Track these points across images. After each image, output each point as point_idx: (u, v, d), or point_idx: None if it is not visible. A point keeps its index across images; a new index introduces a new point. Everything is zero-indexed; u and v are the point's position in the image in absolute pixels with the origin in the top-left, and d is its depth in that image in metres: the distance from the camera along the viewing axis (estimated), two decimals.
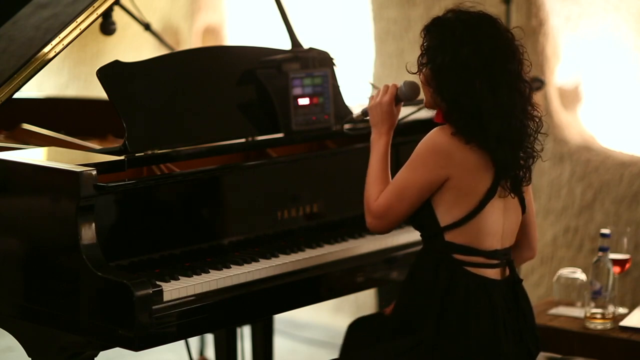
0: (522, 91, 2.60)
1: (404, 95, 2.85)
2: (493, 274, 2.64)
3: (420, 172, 2.59)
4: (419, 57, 2.64)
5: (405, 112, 3.28)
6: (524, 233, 2.78)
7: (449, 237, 2.61)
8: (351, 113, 3.23)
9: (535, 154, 2.64)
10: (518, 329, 2.65)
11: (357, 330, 2.94)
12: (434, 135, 2.60)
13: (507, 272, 2.68)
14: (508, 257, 2.68)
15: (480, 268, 2.62)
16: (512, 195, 2.64)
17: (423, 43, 2.63)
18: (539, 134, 2.64)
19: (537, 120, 2.63)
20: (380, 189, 2.67)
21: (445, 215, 2.60)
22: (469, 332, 2.58)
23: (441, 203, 2.60)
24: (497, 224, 2.62)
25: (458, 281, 2.60)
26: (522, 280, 2.74)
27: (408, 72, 2.68)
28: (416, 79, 2.74)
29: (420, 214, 2.64)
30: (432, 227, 2.63)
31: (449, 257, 2.62)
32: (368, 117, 2.85)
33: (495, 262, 2.64)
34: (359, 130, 3.26)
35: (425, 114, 3.56)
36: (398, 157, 3.32)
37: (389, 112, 2.77)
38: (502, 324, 2.60)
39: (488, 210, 2.59)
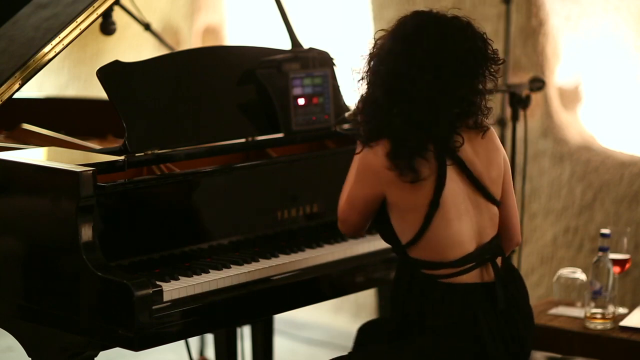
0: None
1: None
2: (469, 278, 2.56)
3: (361, 187, 2.59)
4: None
5: None
6: (504, 226, 2.69)
7: (413, 254, 2.58)
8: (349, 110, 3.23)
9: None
10: (504, 327, 2.57)
11: (366, 334, 2.92)
12: (364, 154, 2.57)
13: (490, 268, 2.59)
14: (493, 250, 2.60)
15: (455, 277, 2.55)
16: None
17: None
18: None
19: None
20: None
21: (401, 233, 2.58)
22: (450, 339, 2.53)
23: (395, 220, 2.58)
24: (459, 232, 2.55)
25: (431, 294, 2.56)
26: (509, 274, 2.64)
27: None
28: None
29: (385, 232, 2.63)
30: (397, 245, 2.60)
31: (418, 273, 2.58)
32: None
33: (470, 265, 2.56)
34: (351, 130, 3.26)
35: None
36: None
37: None
38: (486, 328, 2.54)
39: (440, 224, 2.53)
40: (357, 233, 2.72)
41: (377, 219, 2.63)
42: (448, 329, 2.54)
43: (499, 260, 2.63)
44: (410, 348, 2.57)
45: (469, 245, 2.57)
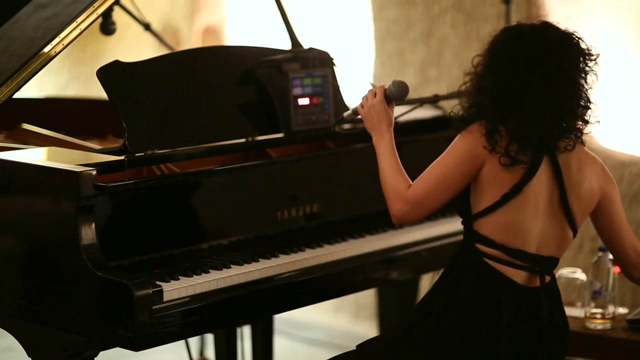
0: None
1: (393, 96, 2.85)
2: (516, 275, 2.59)
3: (459, 162, 2.58)
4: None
5: (400, 110, 3.28)
6: (614, 248, 2.77)
7: (476, 225, 2.61)
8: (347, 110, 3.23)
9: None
10: (529, 340, 2.58)
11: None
12: (466, 131, 2.61)
13: (538, 281, 2.61)
14: (545, 267, 2.62)
15: (502, 264, 2.58)
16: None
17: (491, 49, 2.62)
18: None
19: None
20: (405, 179, 2.66)
21: (475, 203, 2.61)
22: (470, 323, 2.56)
23: (474, 190, 2.61)
24: (526, 225, 2.58)
25: (472, 270, 2.59)
26: (554, 296, 2.66)
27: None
28: (408, 77, 2.74)
29: (459, 199, 2.65)
30: (465, 213, 2.64)
31: (472, 246, 2.61)
32: (359, 117, 2.85)
33: (519, 263, 2.58)
34: (350, 130, 3.26)
35: (423, 113, 3.57)
36: (399, 157, 3.32)
37: (383, 110, 2.77)
38: (506, 327, 2.55)
39: (514, 208, 2.56)
40: (427, 215, 2.69)
41: None
42: (471, 309, 2.57)
43: (546, 278, 2.65)
44: (420, 341, 2.59)
45: (530, 244, 2.60)
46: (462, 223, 2.68)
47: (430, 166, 2.64)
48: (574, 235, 2.66)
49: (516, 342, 2.58)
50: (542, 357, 2.61)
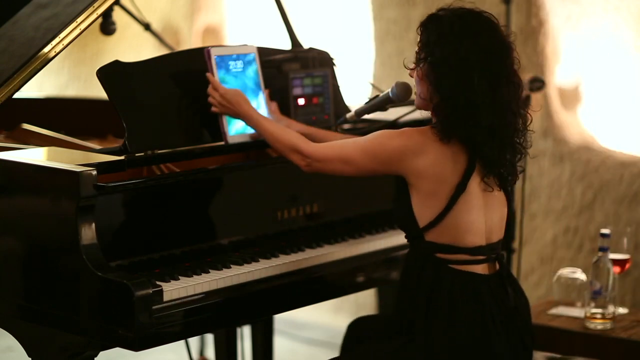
0: (517, 86, 2.59)
1: (396, 97, 2.85)
2: (480, 269, 2.61)
3: (397, 141, 2.57)
4: (416, 53, 2.62)
5: (401, 112, 3.28)
6: None
7: (429, 237, 2.59)
8: (348, 111, 3.23)
9: (523, 150, 2.62)
10: (510, 323, 2.61)
11: (357, 330, 2.93)
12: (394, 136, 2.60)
13: (497, 266, 2.65)
14: (497, 252, 2.65)
15: (467, 265, 2.59)
16: (499, 189, 2.62)
17: (420, 39, 2.60)
18: (526, 131, 2.62)
19: (525, 116, 2.61)
20: (294, 133, 2.75)
21: (421, 216, 2.58)
22: (457, 328, 2.56)
23: (416, 204, 2.58)
24: (477, 222, 2.59)
25: (442, 279, 2.58)
26: (510, 274, 2.69)
27: (405, 67, 2.66)
28: (408, 78, 2.74)
29: (402, 216, 2.63)
30: (413, 228, 2.61)
31: (433, 257, 2.60)
32: (362, 117, 2.85)
33: (481, 257, 2.60)
34: (352, 131, 3.26)
35: (424, 113, 3.57)
36: None
37: (230, 93, 2.89)
38: (490, 319, 2.56)
39: (462, 208, 2.56)
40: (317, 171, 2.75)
41: (398, 201, 2.65)
42: (454, 315, 2.56)
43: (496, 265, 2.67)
44: (414, 346, 2.58)
45: (482, 237, 2.61)
46: (411, 238, 2.65)
47: (346, 141, 2.68)
48: (509, 206, 2.69)
49: (505, 329, 2.59)
50: (525, 336, 2.64)
